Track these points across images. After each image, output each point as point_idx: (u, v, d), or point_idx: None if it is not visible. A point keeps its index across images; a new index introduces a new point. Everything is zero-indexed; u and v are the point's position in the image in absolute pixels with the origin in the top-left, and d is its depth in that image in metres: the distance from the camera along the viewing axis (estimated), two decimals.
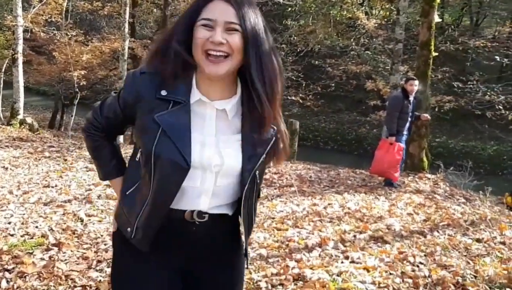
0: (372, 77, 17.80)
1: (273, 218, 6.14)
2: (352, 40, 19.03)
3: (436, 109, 17.00)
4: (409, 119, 8.07)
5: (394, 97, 8.01)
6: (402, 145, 7.92)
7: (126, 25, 14.88)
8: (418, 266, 4.67)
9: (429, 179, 9.55)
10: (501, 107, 16.99)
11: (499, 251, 5.22)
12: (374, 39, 18.35)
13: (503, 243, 5.54)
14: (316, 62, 22.10)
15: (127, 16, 14.87)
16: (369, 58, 18.33)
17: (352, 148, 22.17)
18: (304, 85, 20.78)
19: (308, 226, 5.79)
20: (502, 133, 19.74)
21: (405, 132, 8.10)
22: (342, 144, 22.49)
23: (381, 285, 4.18)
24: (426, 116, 8.84)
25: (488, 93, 17.44)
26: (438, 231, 5.81)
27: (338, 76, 20.24)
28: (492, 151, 19.80)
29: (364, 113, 22.49)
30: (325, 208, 6.73)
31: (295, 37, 18.51)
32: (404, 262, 4.76)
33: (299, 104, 21.34)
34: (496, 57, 18.01)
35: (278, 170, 9.16)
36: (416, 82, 8.09)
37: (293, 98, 19.17)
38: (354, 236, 5.50)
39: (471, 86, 17.88)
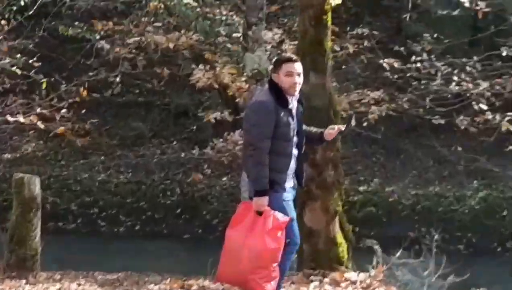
0: (206, 58, 14.64)
1: None
2: None
3: (353, 123, 14.02)
4: (296, 147, 6.63)
5: (258, 104, 6.51)
6: (288, 215, 6.44)
7: None
8: None
9: (354, 283, 7.86)
10: (483, 106, 13.57)
11: None
12: None
13: None
14: (70, 29, 17.89)
15: None
16: (193, 14, 15.33)
17: (179, 226, 18.37)
18: (44, 86, 14.91)
19: None
20: (493, 161, 17.43)
21: (291, 181, 6.63)
22: (151, 219, 18.65)
23: None
24: (337, 129, 7.01)
25: (455, 77, 14.21)
26: None
27: (126, 58, 16.50)
28: (477, 203, 17.30)
29: (197, 141, 18.72)
30: None
31: None
32: None
33: (38, 131, 17.52)
34: None
35: None
36: (298, 66, 6.54)
37: (21, 118, 14.07)
38: None
39: (417, 64, 14.63)
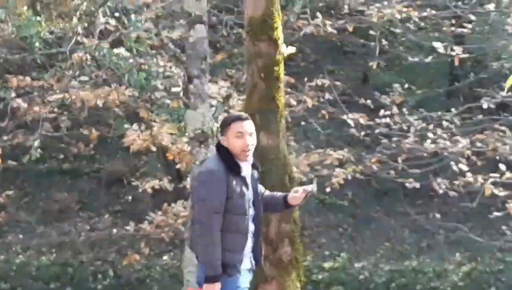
0: (142, 117, 14.60)
1: None
2: None
3: (314, 188, 12.36)
4: (252, 222, 6.52)
5: (206, 174, 6.39)
6: None
7: None
8: None
9: None
10: (463, 167, 13.69)
11: None
12: None
13: None
14: None
15: None
16: (126, 65, 14.12)
17: None
18: None
19: None
20: (476, 230, 17.32)
21: (247, 262, 6.54)
22: None
23: None
24: (302, 191, 6.79)
25: (430, 134, 14.10)
26: None
27: (47, 119, 15.89)
28: (460, 279, 17.32)
29: (133, 215, 18.15)
30: None
31: None
32: None
33: None
34: (437, 44, 14.53)
35: None
36: (249, 124, 6.51)
37: None
38: None
39: (386, 118, 14.60)
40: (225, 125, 6.37)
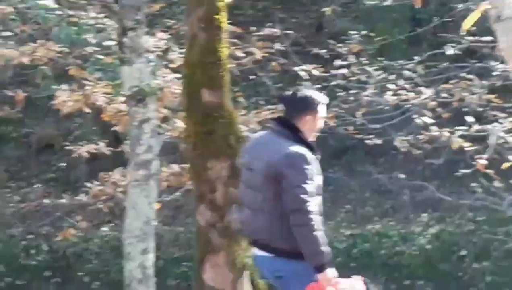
0: (72, 75, 13.74)
1: None
2: None
3: None
4: None
5: (296, 157, 6.21)
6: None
7: None
8: None
9: None
10: (427, 119, 13.31)
11: None
12: None
13: None
14: None
15: None
16: (54, 19, 14.58)
17: None
18: None
19: None
20: (443, 188, 17.25)
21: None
22: (12, 286, 18.06)
23: None
24: None
25: (391, 85, 13.84)
26: None
27: None
28: (428, 242, 17.49)
29: (67, 183, 18.52)
30: None
31: None
32: None
33: None
34: None
35: None
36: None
37: None
38: None
39: (343, 69, 14.15)
40: (313, 106, 6.36)
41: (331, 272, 6.14)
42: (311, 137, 6.32)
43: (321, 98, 6.49)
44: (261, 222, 6.22)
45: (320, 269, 6.10)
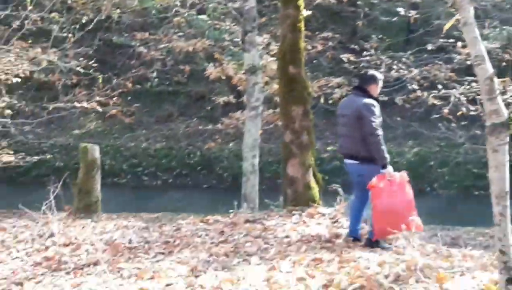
0: (216, 57, 13.32)
1: None
2: None
3: (322, 101, 13.32)
4: None
5: (371, 105, 6.04)
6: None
7: None
8: None
9: (324, 215, 7.36)
10: (415, 86, 12.83)
11: None
12: None
13: None
14: (118, 39, 16.53)
15: None
16: (206, 25, 13.91)
17: (199, 179, 17.25)
18: (101, 80, 13.60)
19: None
20: (422, 126, 16.38)
21: None
22: (180, 174, 17.55)
23: None
24: None
25: (395, 66, 13.11)
26: None
27: (159, 59, 14.84)
28: (413, 156, 16.38)
29: (211, 118, 17.11)
30: None
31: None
32: None
33: (97, 113, 15.48)
34: (399, 9, 13.47)
35: (69, 239, 6.55)
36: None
37: (85, 104, 12.36)
38: None
39: (367, 57, 13.43)
40: (376, 81, 6.27)
41: (390, 168, 6.02)
42: (375, 95, 6.19)
43: (380, 76, 6.42)
44: (351, 143, 6.16)
45: (384, 166, 6.00)
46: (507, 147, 3.02)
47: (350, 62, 14.21)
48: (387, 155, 6.10)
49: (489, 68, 2.91)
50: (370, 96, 6.20)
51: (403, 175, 6.21)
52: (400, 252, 5.74)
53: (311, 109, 8.29)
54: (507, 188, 2.93)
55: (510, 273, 2.92)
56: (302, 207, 7.78)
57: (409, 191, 6.19)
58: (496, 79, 2.89)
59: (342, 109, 6.32)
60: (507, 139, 2.98)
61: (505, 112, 2.95)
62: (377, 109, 6.12)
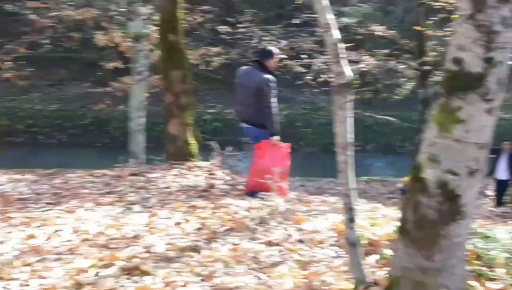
0: (104, 27, 12.76)
1: None
2: None
3: (203, 67, 13.30)
4: None
5: (270, 79, 6.09)
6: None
7: None
8: None
9: (201, 168, 7.37)
10: (284, 56, 12.19)
11: (297, 253, 3.97)
12: None
13: (302, 241, 4.24)
14: (7, 6, 15.89)
15: None
16: None
17: (92, 138, 17.04)
18: None
19: (21, 273, 3.70)
20: (290, 92, 16.21)
21: None
22: (74, 134, 17.31)
23: None
24: None
25: (267, 38, 13.23)
26: (217, 241, 4.29)
27: (50, 27, 13.69)
28: (283, 118, 15.86)
29: (102, 83, 16.02)
30: (48, 239, 4.42)
31: None
32: None
33: None
34: None
35: None
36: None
37: None
38: (97, 274, 3.65)
39: (244, 30, 13.50)
40: (273, 56, 6.22)
41: (277, 137, 6.14)
42: (273, 69, 6.20)
43: (276, 51, 6.43)
44: (249, 111, 6.20)
45: (273, 135, 6.14)
46: (350, 104, 3.07)
47: (227, 33, 14.03)
48: (277, 126, 6.22)
49: (335, 34, 2.91)
50: (270, 72, 6.22)
51: (287, 147, 6.35)
52: (266, 199, 5.79)
53: (193, 75, 8.12)
54: (350, 140, 2.97)
55: (351, 213, 3.01)
56: (182, 161, 7.70)
57: (288, 162, 6.37)
58: (340, 44, 2.90)
59: (242, 79, 6.31)
60: (351, 97, 3.03)
61: (349, 74, 2.98)
62: (274, 84, 6.18)
